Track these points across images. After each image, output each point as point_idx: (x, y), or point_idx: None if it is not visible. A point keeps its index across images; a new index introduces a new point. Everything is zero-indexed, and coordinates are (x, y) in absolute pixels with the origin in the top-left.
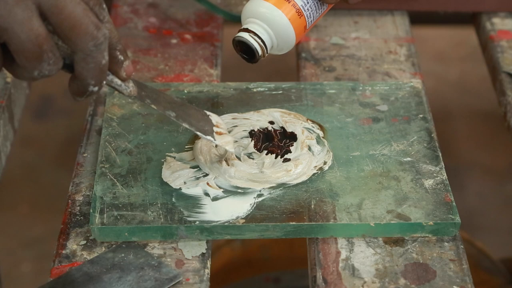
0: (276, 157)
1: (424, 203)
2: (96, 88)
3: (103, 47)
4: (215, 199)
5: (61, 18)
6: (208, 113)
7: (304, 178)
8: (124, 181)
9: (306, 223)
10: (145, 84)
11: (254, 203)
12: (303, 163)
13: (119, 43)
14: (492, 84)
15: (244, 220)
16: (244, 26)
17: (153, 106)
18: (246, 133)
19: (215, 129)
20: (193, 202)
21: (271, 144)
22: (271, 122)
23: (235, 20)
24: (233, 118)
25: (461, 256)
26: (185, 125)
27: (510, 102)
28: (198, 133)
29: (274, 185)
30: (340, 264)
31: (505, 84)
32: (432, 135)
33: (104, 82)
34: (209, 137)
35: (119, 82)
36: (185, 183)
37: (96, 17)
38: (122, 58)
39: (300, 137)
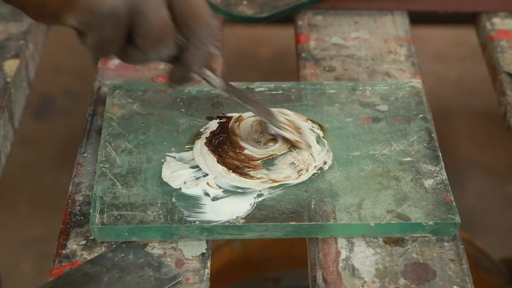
0: None
1: (424, 203)
2: (195, 76)
3: (215, 36)
4: (215, 199)
5: (186, 5)
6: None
7: (304, 178)
8: (124, 181)
9: (306, 223)
10: (229, 83)
11: (254, 203)
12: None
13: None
14: (492, 84)
15: (244, 220)
16: None
17: (238, 100)
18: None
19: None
20: (193, 202)
21: None
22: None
23: (235, 20)
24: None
25: (461, 256)
26: (264, 119)
27: (510, 102)
28: (275, 128)
29: (274, 184)
30: (340, 264)
31: (505, 84)
32: (432, 135)
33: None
34: (283, 132)
35: (209, 73)
36: (185, 183)
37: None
38: (216, 51)
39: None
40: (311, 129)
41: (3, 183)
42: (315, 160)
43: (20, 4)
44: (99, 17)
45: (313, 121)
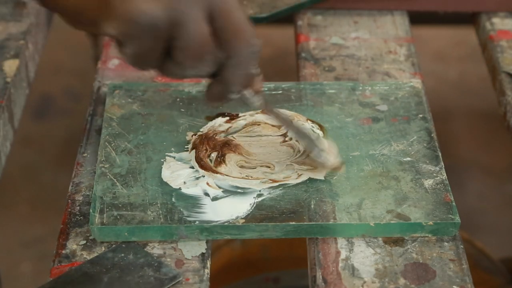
0: None
1: (424, 203)
2: (236, 96)
3: (257, 56)
4: (215, 199)
5: (228, 22)
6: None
7: (304, 178)
8: (124, 181)
9: (306, 223)
10: (270, 105)
11: (254, 203)
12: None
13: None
14: (492, 84)
15: (244, 220)
16: None
17: (279, 123)
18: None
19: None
20: (193, 202)
21: None
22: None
23: None
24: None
25: (461, 256)
26: (303, 142)
27: (510, 102)
28: (314, 151)
29: (274, 184)
30: (340, 264)
31: (505, 84)
32: (432, 135)
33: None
34: (322, 160)
35: (250, 93)
36: (185, 183)
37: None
38: (257, 71)
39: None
40: (311, 129)
41: (3, 183)
42: None
43: (59, 10)
44: (138, 28)
45: (313, 121)
